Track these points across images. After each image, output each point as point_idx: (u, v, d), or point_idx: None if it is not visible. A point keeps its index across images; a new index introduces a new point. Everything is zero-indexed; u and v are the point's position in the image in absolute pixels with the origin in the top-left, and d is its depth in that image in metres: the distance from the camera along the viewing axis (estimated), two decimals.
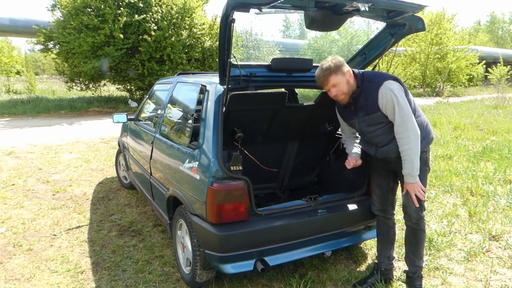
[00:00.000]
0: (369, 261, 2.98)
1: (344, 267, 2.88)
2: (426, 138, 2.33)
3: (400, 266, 2.80)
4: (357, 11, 2.16)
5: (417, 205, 2.28)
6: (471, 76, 27.72)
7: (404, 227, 2.53)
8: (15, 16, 17.92)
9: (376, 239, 2.71)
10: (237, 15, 2.13)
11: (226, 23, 2.14)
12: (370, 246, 3.17)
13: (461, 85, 24.76)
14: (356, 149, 2.58)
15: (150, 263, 2.98)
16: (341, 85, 2.26)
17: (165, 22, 13.19)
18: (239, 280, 2.68)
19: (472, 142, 7.08)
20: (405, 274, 2.53)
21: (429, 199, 4.22)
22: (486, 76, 25.29)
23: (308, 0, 2.17)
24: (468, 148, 6.56)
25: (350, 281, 2.66)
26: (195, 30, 13.80)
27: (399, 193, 2.52)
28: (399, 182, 2.48)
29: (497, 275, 2.75)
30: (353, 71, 2.32)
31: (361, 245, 3.19)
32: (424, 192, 2.28)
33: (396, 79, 2.26)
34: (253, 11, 2.14)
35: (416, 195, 2.26)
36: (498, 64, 21.43)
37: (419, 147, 2.20)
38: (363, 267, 2.90)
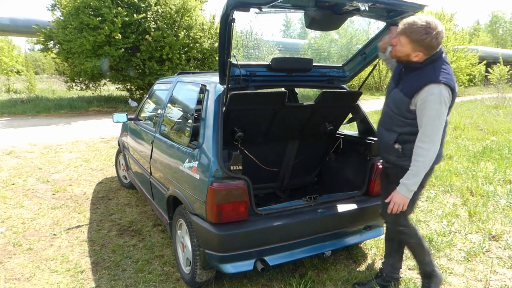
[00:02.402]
0: (369, 261, 2.98)
1: (344, 267, 2.87)
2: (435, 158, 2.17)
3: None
4: (357, 11, 2.16)
5: (390, 213, 2.16)
6: (472, 76, 27.66)
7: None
8: (15, 15, 17.88)
9: (375, 239, 2.71)
10: (237, 15, 2.14)
11: (226, 22, 2.14)
12: (370, 246, 3.17)
13: (461, 85, 24.72)
14: None
15: (150, 262, 2.98)
16: (400, 46, 2.05)
17: (164, 21, 13.18)
18: (239, 280, 2.68)
19: (472, 142, 7.08)
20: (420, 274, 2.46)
21: (429, 199, 4.22)
22: (486, 76, 25.27)
23: None
24: (468, 148, 6.56)
25: (350, 281, 2.66)
26: (194, 30, 13.79)
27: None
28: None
29: (497, 275, 2.75)
30: (434, 54, 2.03)
31: (361, 245, 3.18)
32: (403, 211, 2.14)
33: (452, 89, 2.02)
34: (253, 10, 2.14)
35: (394, 208, 2.13)
36: (498, 64, 21.41)
37: (431, 163, 2.06)
38: (363, 267, 2.89)
